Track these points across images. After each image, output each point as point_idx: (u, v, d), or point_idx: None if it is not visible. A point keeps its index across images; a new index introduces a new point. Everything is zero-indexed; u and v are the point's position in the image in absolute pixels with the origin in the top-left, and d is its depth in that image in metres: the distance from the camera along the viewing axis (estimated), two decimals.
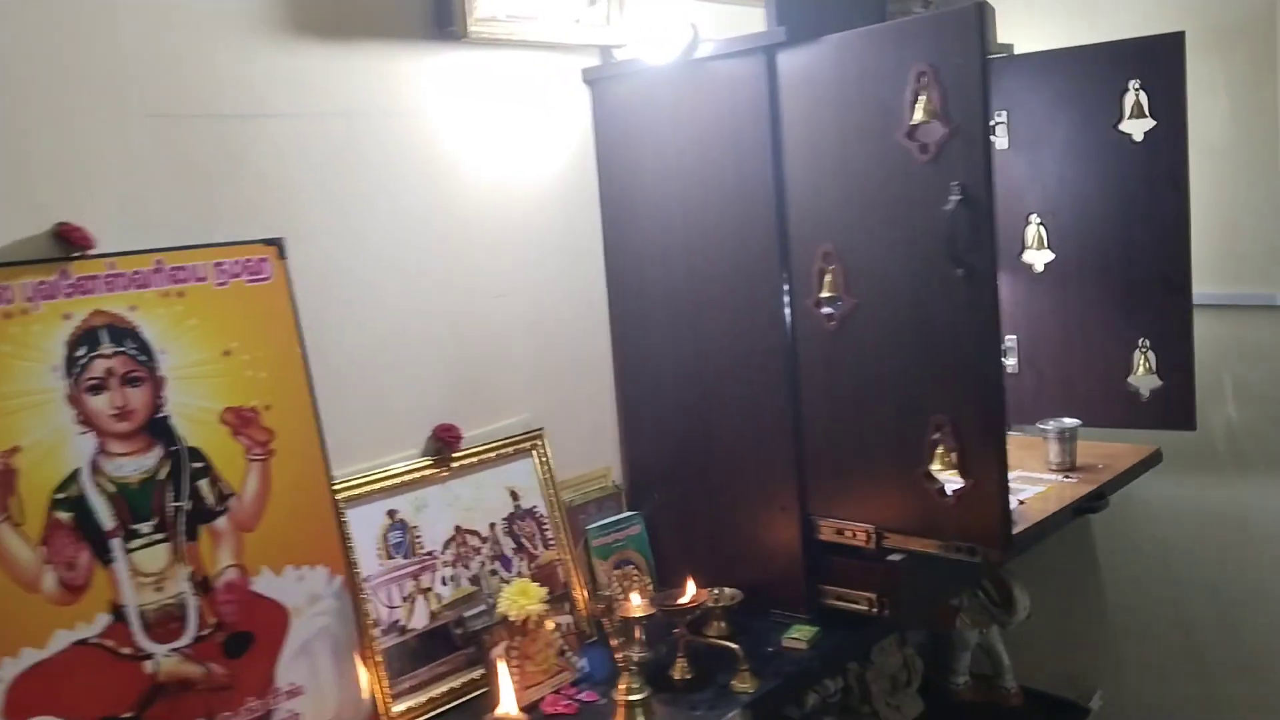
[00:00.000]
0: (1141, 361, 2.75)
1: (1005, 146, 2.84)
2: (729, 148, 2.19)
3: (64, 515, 1.61)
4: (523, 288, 2.34)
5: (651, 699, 1.93)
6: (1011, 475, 2.02)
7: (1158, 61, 2.60)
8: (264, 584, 1.81)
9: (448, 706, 2.00)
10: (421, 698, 1.99)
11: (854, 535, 2.17)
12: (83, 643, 1.61)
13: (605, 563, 2.41)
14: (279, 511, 1.84)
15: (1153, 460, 2.81)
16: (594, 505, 2.47)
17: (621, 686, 1.92)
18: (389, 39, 2.07)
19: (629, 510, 2.51)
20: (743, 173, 2.18)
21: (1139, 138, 2.66)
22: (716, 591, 2.25)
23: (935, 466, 2.03)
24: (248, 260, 1.86)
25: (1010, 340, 2.90)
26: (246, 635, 1.78)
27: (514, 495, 2.28)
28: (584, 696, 2.03)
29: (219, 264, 1.82)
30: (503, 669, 1.92)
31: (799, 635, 2.19)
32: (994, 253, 1.93)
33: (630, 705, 1.90)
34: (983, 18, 1.84)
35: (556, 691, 2.04)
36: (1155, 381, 2.75)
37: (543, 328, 2.39)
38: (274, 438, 1.85)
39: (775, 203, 2.15)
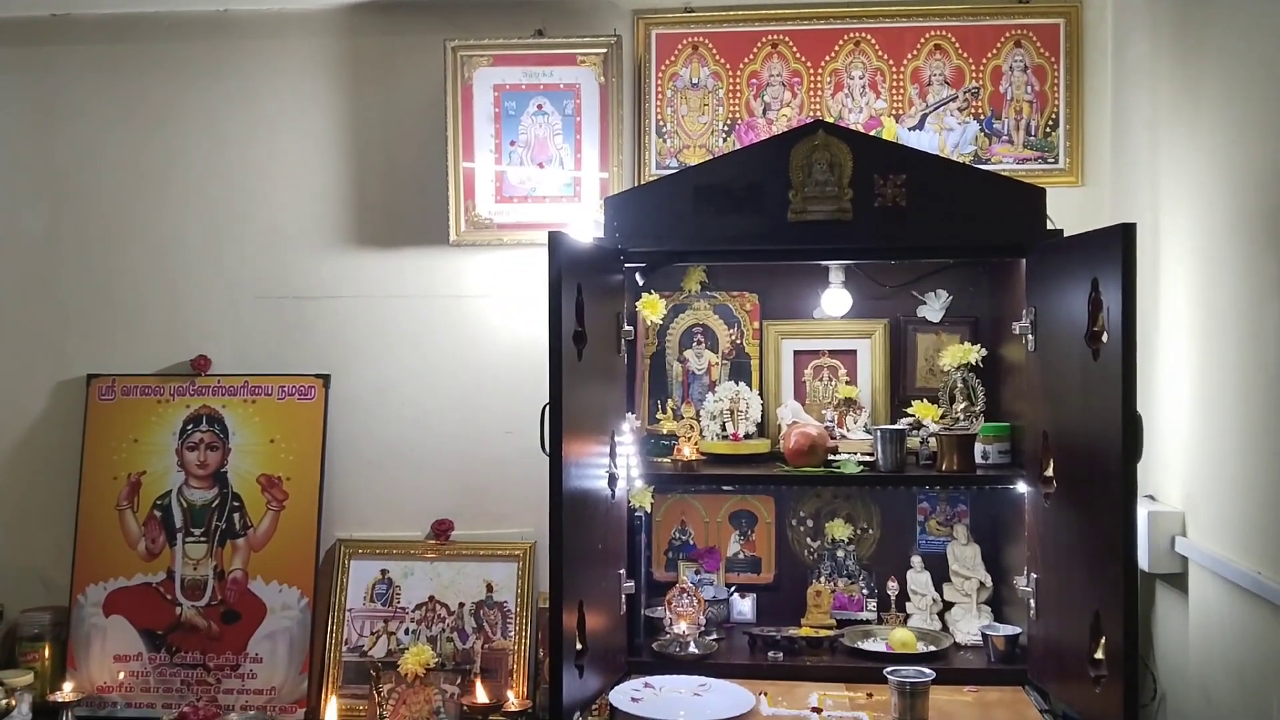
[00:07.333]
0: None
1: None
2: None
3: (158, 513, 2.94)
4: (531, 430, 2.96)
5: None
6: None
7: None
8: (256, 586, 2.91)
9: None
10: (355, 701, 2.85)
11: None
12: (148, 584, 2.92)
13: None
14: (278, 546, 2.92)
15: None
16: None
17: None
18: (420, 245, 2.96)
19: None
20: None
21: None
22: None
23: None
24: (301, 386, 2.97)
25: None
26: (237, 613, 2.90)
27: (489, 586, 2.93)
28: None
29: (282, 386, 2.97)
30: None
31: None
32: None
33: None
34: None
35: None
36: None
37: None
38: (287, 499, 2.93)
39: None
